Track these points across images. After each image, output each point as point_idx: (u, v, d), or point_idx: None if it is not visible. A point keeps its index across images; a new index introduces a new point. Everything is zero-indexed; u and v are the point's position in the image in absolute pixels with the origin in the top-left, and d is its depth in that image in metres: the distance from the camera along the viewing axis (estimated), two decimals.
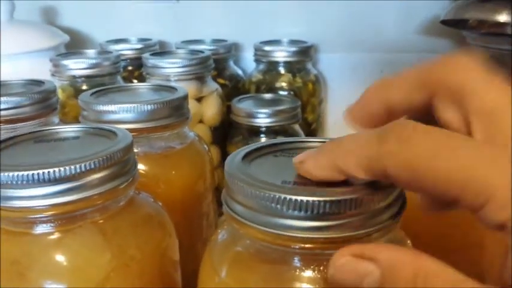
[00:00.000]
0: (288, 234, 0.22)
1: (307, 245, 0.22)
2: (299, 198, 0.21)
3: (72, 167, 0.25)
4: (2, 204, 0.25)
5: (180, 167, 0.41)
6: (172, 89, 0.43)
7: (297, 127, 0.62)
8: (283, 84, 0.70)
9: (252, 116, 0.60)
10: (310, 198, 0.21)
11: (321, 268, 0.23)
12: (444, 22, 0.64)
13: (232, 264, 0.25)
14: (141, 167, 0.39)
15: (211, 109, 0.61)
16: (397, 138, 0.19)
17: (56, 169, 0.25)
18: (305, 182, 0.23)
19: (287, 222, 0.22)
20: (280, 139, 0.29)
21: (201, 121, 0.61)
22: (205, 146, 0.46)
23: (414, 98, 0.22)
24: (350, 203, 0.21)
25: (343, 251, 0.20)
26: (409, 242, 0.27)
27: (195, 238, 0.42)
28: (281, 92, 0.69)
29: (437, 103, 0.21)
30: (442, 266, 0.18)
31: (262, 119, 0.59)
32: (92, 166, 0.26)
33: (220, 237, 0.27)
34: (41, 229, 0.26)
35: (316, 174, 0.22)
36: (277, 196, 0.22)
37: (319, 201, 0.21)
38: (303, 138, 0.29)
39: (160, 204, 0.34)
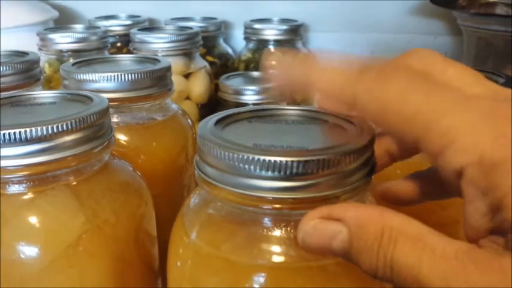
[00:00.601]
0: (257, 194, 0.22)
1: (276, 206, 0.22)
2: (268, 158, 0.21)
3: (45, 127, 0.25)
4: None
5: (161, 139, 0.41)
6: (156, 60, 0.43)
7: (284, 105, 0.62)
8: (273, 62, 0.69)
9: (239, 93, 0.59)
10: (280, 159, 0.21)
11: (291, 228, 0.23)
12: (434, 2, 0.64)
13: (203, 226, 0.25)
14: (122, 137, 0.39)
15: (198, 86, 0.61)
16: (376, 73, 0.19)
17: (29, 129, 0.25)
18: (276, 146, 0.23)
19: (257, 183, 0.22)
20: (255, 106, 0.29)
21: (188, 98, 0.61)
22: (189, 120, 0.45)
23: None
24: (319, 164, 0.21)
25: (311, 214, 0.20)
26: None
27: (176, 209, 0.41)
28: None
29: None
30: (407, 220, 0.18)
31: (250, 96, 0.59)
32: (65, 128, 0.26)
33: (192, 201, 0.27)
34: (13, 189, 0.26)
35: (282, 75, 0.23)
36: (246, 157, 0.22)
37: (287, 161, 0.21)
38: (279, 105, 0.29)
39: (139, 173, 0.34)
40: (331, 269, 0.23)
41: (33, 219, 0.26)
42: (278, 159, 0.21)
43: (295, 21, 0.73)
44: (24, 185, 0.26)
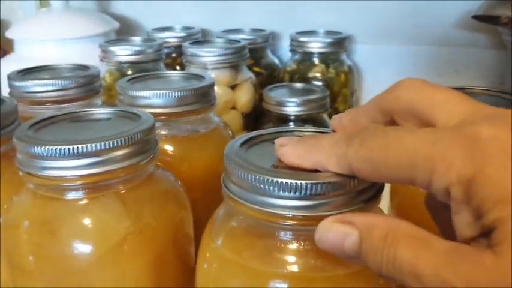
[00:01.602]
0: (275, 212, 0.25)
1: (291, 222, 0.25)
2: (285, 180, 0.25)
3: (99, 144, 0.30)
4: (39, 173, 0.30)
5: (204, 149, 0.45)
6: (201, 77, 0.47)
7: (325, 116, 0.64)
8: (317, 74, 0.72)
9: (282, 104, 0.63)
10: (295, 181, 0.24)
11: (304, 241, 0.26)
12: (477, 17, 0.65)
13: (227, 235, 0.29)
14: (168, 147, 0.43)
15: (244, 96, 0.65)
16: (359, 139, 0.23)
17: (86, 145, 0.29)
18: (293, 168, 0.26)
19: (275, 201, 0.25)
20: (278, 128, 0.32)
21: (234, 107, 0.65)
22: (230, 131, 0.49)
23: (378, 120, 0.26)
24: (331, 185, 0.24)
25: (327, 219, 0.24)
26: None
27: (213, 212, 0.45)
28: (314, 82, 0.72)
29: (398, 120, 0.25)
30: (409, 224, 0.21)
31: (291, 108, 0.62)
32: (116, 144, 0.30)
33: (220, 213, 0.30)
34: (71, 196, 0.31)
35: (290, 160, 0.26)
36: (265, 178, 0.25)
37: (302, 183, 0.24)
38: (301, 127, 0.32)
39: (179, 182, 0.38)
40: (339, 279, 0.26)
41: (86, 221, 0.31)
42: (294, 181, 0.24)
43: (340, 33, 0.75)
44: (80, 192, 0.31)
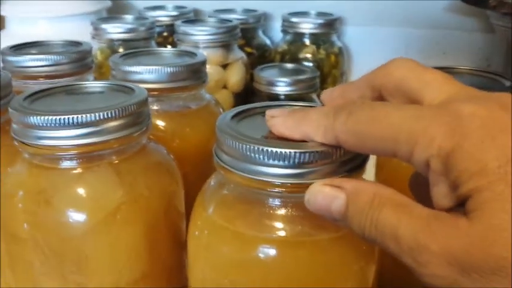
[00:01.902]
0: (264, 179, 0.26)
1: (280, 189, 0.27)
2: (274, 149, 0.26)
3: (94, 114, 0.30)
4: (35, 143, 0.30)
5: (195, 125, 0.46)
6: (193, 54, 0.47)
7: (314, 96, 0.65)
8: (307, 55, 0.73)
9: (272, 84, 0.63)
10: (284, 150, 0.25)
11: (292, 208, 0.27)
12: (466, 1, 0.65)
13: (218, 203, 0.30)
14: (160, 123, 0.44)
15: (235, 76, 0.66)
16: (347, 112, 0.24)
17: (81, 116, 0.30)
18: (282, 138, 0.27)
19: (264, 169, 0.26)
20: (269, 102, 0.33)
21: (224, 86, 0.65)
22: (221, 109, 0.50)
23: (367, 96, 0.27)
24: (318, 154, 0.25)
25: (317, 182, 0.25)
26: None
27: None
28: (305, 63, 0.73)
29: (386, 96, 0.26)
30: (394, 192, 0.23)
31: (282, 87, 0.63)
32: (110, 115, 0.31)
33: (211, 183, 0.31)
34: (66, 164, 0.32)
35: (280, 131, 0.27)
36: (255, 147, 0.26)
37: (291, 152, 0.25)
38: (292, 102, 0.33)
39: (171, 156, 0.39)
40: (325, 243, 0.27)
41: (81, 190, 0.32)
42: (283, 150, 0.25)
43: (331, 15, 0.76)
44: (74, 162, 0.32)
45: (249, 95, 0.68)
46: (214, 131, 0.48)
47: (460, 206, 0.21)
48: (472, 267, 0.19)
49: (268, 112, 0.28)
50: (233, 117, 0.30)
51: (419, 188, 0.28)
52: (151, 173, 0.35)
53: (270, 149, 0.26)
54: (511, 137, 0.20)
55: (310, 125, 0.25)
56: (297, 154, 0.25)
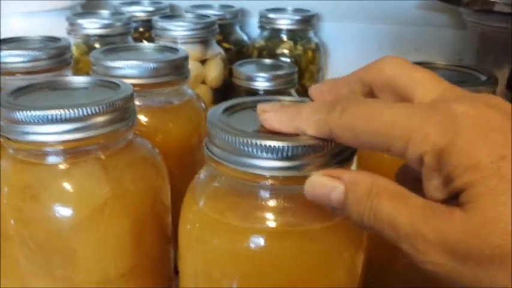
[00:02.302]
0: (255, 172, 0.27)
1: (271, 182, 0.27)
2: (265, 143, 0.26)
3: (80, 110, 0.30)
4: (21, 139, 0.30)
5: (177, 120, 0.46)
6: (175, 50, 0.47)
7: (293, 91, 0.66)
8: (284, 50, 0.74)
9: (251, 79, 0.64)
10: (275, 143, 0.26)
11: (282, 200, 0.28)
12: None
13: (209, 196, 0.30)
14: (142, 118, 0.44)
15: (213, 71, 0.66)
16: (341, 107, 0.24)
17: (67, 111, 0.30)
18: (272, 133, 0.28)
19: (255, 162, 0.27)
20: (259, 97, 0.33)
21: (203, 82, 0.65)
22: (203, 104, 0.50)
23: (357, 91, 0.28)
24: (307, 148, 0.26)
25: (318, 172, 0.25)
26: None
27: (188, 182, 0.46)
28: (282, 59, 0.73)
29: (376, 92, 0.27)
30: (390, 182, 0.24)
31: (261, 83, 0.63)
32: (97, 110, 0.31)
33: (201, 176, 0.31)
34: (52, 160, 0.31)
35: (272, 125, 0.27)
36: (247, 140, 0.26)
37: (281, 146, 0.26)
38: (281, 97, 0.33)
39: (157, 151, 0.39)
40: (314, 234, 0.28)
41: (68, 186, 0.31)
42: (273, 143, 0.26)
43: (308, 11, 0.76)
44: (61, 157, 0.31)
45: (228, 91, 0.68)
46: (197, 126, 0.49)
47: (453, 199, 0.22)
48: (468, 256, 0.20)
49: (260, 106, 0.28)
50: (224, 111, 0.30)
51: (406, 183, 0.28)
52: (138, 168, 0.35)
53: (261, 142, 0.26)
54: (502, 133, 0.21)
55: (302, 119, 0.26)
56: (289, 148, 0.26)
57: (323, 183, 0.25)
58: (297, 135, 0.26)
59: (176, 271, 0.40)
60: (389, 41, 0.78)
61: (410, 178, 0.27)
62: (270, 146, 0.26)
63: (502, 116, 0.22)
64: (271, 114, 0.27)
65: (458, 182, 0.21)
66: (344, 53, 0.81)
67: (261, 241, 0.28)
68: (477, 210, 0.20)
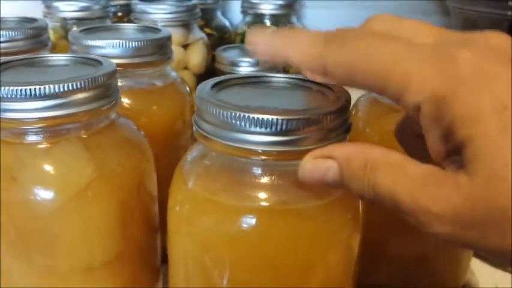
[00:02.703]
0: (248, 147, 0.25)
1: (264, 157, 0.26)
2: (258, 116, 0.25)
3: (61, 85, 0.28)
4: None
5: (161, 103, 0.44)
6: (157, 30, 0.46)
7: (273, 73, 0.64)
8: None
9: (235, 64, 0.62)
10: (268, 116, 0.25)
11: (276, 177, 0.27)
12: None
13: (199, 175, 0.29)
14: (125, 100, 0.42)
15: (196, 56, 0.64)
16: (339, 42, 0.22)
17: (47, 86, 0.28)
18: (264, 107, 0.26)
19: (247, 137, 0.25)
20: (248, 73, 0.32)
21: (185, 68, 0.64)
22: (187, 87, 0.49)
23: None
24: (302, 122, 0.25)
25: (307, 156, 0.24)
26: None
27: (173, 169, 0.45)
28: None
29: None
30: (386, 151, 0.22)
31: (245, 68, 0.62)
32: (78, 86, 0.29)
33: (190, 155, 0.30)
34: (32, 139, 0.29)
35: (263, 50, 0.25)
36: (238, 114, 0.25)
37: (274, 119, 0.25)
38: (270, 73, 0.32)
39: (142, 133, 0.37)
40: (310, 211, 0.27)
41: (49, 166, 0.30)
42: (266, 117, 0.25)
43: None
44: (41, 136, 0.29)
45: (211, 76, 0.66)
46: (182, 110, 0.47)
47: (457, 152, 0.20)
48: (477, 222, 0.19)
49: (250, 33, 0.26)
50: (212, 87, 0.29)
51: (406, 139, 0.27)
52: (123, 148, 0.33)
53: (254, 115, 0.25)
54: (506, 80, 0.19)
55: (296, 48, 0.24)
56: (283, 121, 0.25)
57: (315, 166, 0.24)
58: (291, 110, 0.25)
59: (164, 261, 0.39)
60: None
61: (409, 134, 0.26)
62: (262, 119, 0.25)
63: (505, 59, 0.20)
64: (266, 37, 0.25)
65: (459, 135, 0.19)
66: None
67: (255, 220, 0.26)
68: (480, 171, 0.19)
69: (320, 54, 0.23)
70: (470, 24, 0.69)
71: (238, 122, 0.25)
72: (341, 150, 0.23)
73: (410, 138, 0.24)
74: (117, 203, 0.32)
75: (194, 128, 0.28)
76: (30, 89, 0.28)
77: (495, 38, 0.21)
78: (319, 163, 0.24)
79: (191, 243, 0.28)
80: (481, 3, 0.65)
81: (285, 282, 0.27)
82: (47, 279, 0.31)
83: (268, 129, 0.25)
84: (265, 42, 0.25)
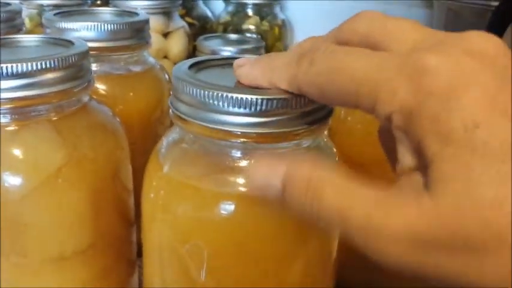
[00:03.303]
0: (226, 129, 0.24)
1: (243, 139, 0.25)
2: (236, 95, 0.24)
3: (30, 64, 0.27)
4: None
5: (138, 90, 0.43)
6: (135, 14, 0.44)
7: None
8: (251, 26, 0.71)
9: (216, 53, 0.61)
10: (247, 96, 0.24)
11: (255, 160, 0.25)
12: None
13: (176, 159, 0.27)
14: (100, 86, 0.41)
15: (177, 45, 0.63)
16: (309, 61, 0.22)
17: (15, 65, 0.27)
18: (243, 88, 0.25)
19: (226, 118, 0.24)
20: (228, 55, 0.31)
21: (165, 57, 0.62)
22: (167, 75, 0.47)
23: None
24: (282, 102, 0.24)
25: (256, 164, 0.23)
26: (335, 150, 0.29)
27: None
28: (248, 34, 0.71)
29: None
30: (333, 171, 0.20)
31: None
32: (48, 65, 0.28)
33: (166, 139, 0.29)
34: None
35: (248, 80, 0.25)
36: (216, 93, 0.24)
37: (254, 98, 0.23)
38: (251, 56, 0.31)
39: (118, 119, 0.35)
40: None
41: (17, 150, 0.28)
42: (245, 96, 0.23)
43: None
44: (8, 117, 0.28)
45: None
46: (160, 97, 0.46)
47: (424, 167, 0.19)
48: (438, 248, 0.17)
49: (236, 62, 0.26)
50: (190, 67, 0.28)
51: (387, 143, 0.26)
52: (96, 133, 0.32)
53: (233, 95, 0.24)
54: (480, 91, 0.18)
55: (275, 73, 0.24)
56: (262, 101, 0.24)
57: (258, 181, 0.22)
58: (271, 90, 0.24)
59: (139, 254, 0.37)
60: None
61: (390, 138, 0.25)
62: (241, 98, 0.23)
63: (484, 66, 0.18)
64: (246, 68, 0.25)
65: (427, 152, 0.18)
66: (310, 30, 0.78)
67: (234, 207, 0.25)
68: (446, 195, 0.17)
69: (293, 75, 0.23)
70: (454, 15, 0.69)
71: (216, 102, 0.24)
72: (285, 167, 0.21)
73: (390, 141, 0.23)
74: (90, 190, 0.30)
75: (170, 111, 0.27)
76: None
77: (477, 39, 0.19)
78: (263, 178, 0.22)
79: (167, 231, 0.27)
80: None
81: (264, 270, 0.26)
82: (17, 269, 0.30)
83: (247, 109, 0.24)
84: (247, 74, 0.25)
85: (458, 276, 0.18)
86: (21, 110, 0.28)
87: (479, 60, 0.18)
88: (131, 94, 0.42)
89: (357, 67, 0.20)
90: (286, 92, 0.24)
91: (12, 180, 0.28)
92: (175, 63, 0.63)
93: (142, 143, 0.43)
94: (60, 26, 0.39)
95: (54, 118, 0.29)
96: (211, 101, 0.24)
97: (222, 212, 0.25)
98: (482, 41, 0.19)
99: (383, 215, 0.18)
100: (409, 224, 0.18)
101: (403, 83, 0.18)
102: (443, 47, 0.19)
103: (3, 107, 0.27)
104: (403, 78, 0.19)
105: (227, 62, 0.30)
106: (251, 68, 0.25)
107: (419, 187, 0.18)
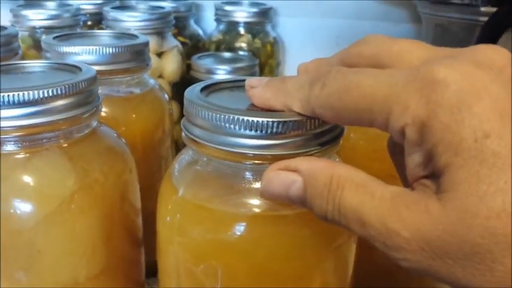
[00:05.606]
0: (240, 151, 0.24)
1: (256, 161, 0.25)
2: (250, 118, 0.24)
3: (39, 91, 0.27)
4: None
5: (140, 111, 0.43)
6: (134, 36, 0.44)
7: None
8: (243, 44, 0.72)
9: (211, 72, 0.62)
10: (260, 119, 0.24)
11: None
12: None
13: (190, 182, 0.27)
14: (103, 109, 0.41)
15: (171, 64, 0.63)
16: (320, 84, 0.22)
17: (24, 93, 0.27)
18: (256, 110, 0.26)
19: (240, 141, 0.24)
20: (237, 77, 0.31)
21: (160, 76, 0.62)
22: (166, 95, 0.47)
23: None
24: (295, 124, 0.24)
25: (272, 167, 0.23)
26: None
27: (154, 179, 0.44)
28: (241, 52, 0.71)
29: None
30: (353, 170, 0.21)
31: (222, 76, 0.61)
32: (57, 92, 0.28)
33: (179, 162, 0.29)
34: (9, 148, 0.28)
35: (260, 102, 0.25)
36: (230, 117, 0.24)
37: (267, 121, 0.24)
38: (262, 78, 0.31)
39: (124, 141, 0.35)
40: (300, 218, 0.26)
41: (29, 178, 0.28)
42: (259, 119, 0.24)
43: (265, 4, 0.75)
44: (19, 145, 0.28)
45: (186, 85, 0.64)
46: (161, 117, 0.46)
47: (434, 177, 0.19)
48: (446, 253, 0.18)
49: (248, 81, 0.26)
50: (201, 90, 0.28)
51: (397, 156, 0.27)
52: (105, 158, 0.32)
53: (246, 118, 0.24)
54: (489, 102, 0.18)
55: (287, 96, 0.24)
56: (274, 123, 0.24)
57: (280, 179, 0.23)
58: (284, 113, 0.24)
59: (148, 275, 0.37)
60: (346, 35, 0.78)
61: (400, 152, 0.25)
62: (254, 121, 0.24)
63: (492, 77, 0.19)
64: (259, 90, 0.25)
65: (438, 162, 0.19)
66: (302, 48, 0.80)
67: (248, 227, 0.25)
68: (455, 203, 0.18)
69: (307, 99, 0.23)
70: (442, 30, 0.70)
71: (230, 125, 0.24)
72: (307, 164, 0.22)
73: (399, 154, 0.23)
74: (101, 215, 0.30)
75: (183, 134, 0.27)
76: (6, 96, 0.26)
77: (485, 50, 0.20)
78: (284, 176, 0.23)
79: (184, 253, 0.27)
80: (452, 9, 0.66)
81: None
82: None
83: (261, 132, 0.24)
84: (260, 96, 0.25)
85: (469, 282, 0.18)
86: (32, 138, 0.28)
87: (487, 71, 0.19)
88: (133, 116, 0.43)
89: (368, 84, 0.20)
90: (299, 114, 0.24)
91: (25, 208, 0.28)
92: (170, 82, 0.64)
93: (145, 162, 0.43)
94: (61, 50, 0.39)
95: (64, 144, 0.29)
96: (225, 124, 0.24)
97: (237, 232, 0.25)
98: (490, 52, 0.20)
99: (397, 219, 0.19)
100: (420, 230, 0.18)
101: (414, 96, 0.19)
102: (451, 59, 0.20)
103: (14, 134, 0.27)
104: (414, 91, 0.19)
105: (236, 85, 0.30)
106: (263, 91, 0.25)
107: (431, 195, 0.19)
